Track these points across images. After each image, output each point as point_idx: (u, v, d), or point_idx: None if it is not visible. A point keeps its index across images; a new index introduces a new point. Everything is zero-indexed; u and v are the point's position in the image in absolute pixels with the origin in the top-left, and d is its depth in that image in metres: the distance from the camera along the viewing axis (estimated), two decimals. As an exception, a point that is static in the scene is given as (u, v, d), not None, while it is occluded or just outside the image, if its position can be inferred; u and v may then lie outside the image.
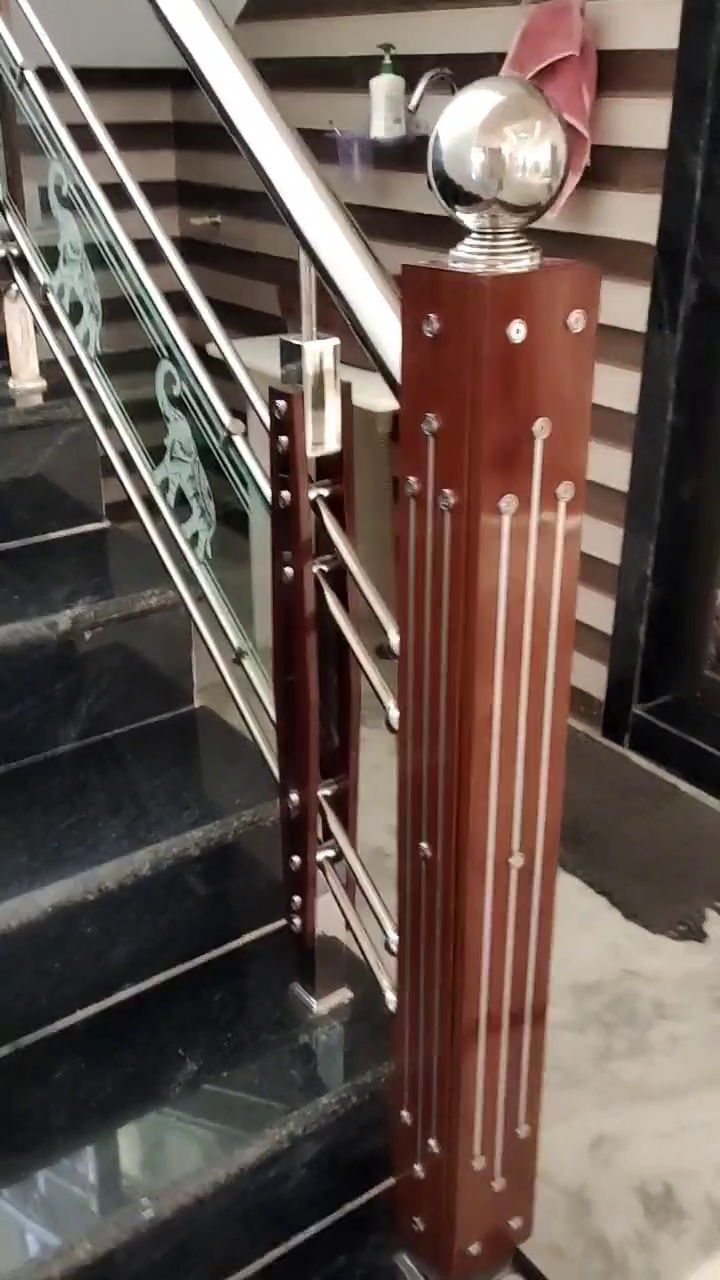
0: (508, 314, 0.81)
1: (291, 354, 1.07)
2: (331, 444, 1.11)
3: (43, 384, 1.70)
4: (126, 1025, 1.33)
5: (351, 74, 2.76)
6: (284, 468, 1.10)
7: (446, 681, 0.93)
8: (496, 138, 0.80)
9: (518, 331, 0.81)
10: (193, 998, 1.37)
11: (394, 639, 1.06)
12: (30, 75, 1.41)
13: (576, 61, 2.09)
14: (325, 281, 1.00)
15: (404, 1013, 1.13)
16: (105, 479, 1.71)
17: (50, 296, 1.51)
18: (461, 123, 0.81)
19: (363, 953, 1.28)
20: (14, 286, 1.61)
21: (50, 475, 1.66)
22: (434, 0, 2.49)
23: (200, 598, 1.49)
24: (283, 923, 1.48)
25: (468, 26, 2.43)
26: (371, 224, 2.94)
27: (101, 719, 1.54)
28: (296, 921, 1.32)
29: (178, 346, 1.27)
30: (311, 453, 1.10)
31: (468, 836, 0.97)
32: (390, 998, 1.24)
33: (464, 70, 2.42)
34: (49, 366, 1.72)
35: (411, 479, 0.90)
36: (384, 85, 2.55)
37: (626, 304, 2.21)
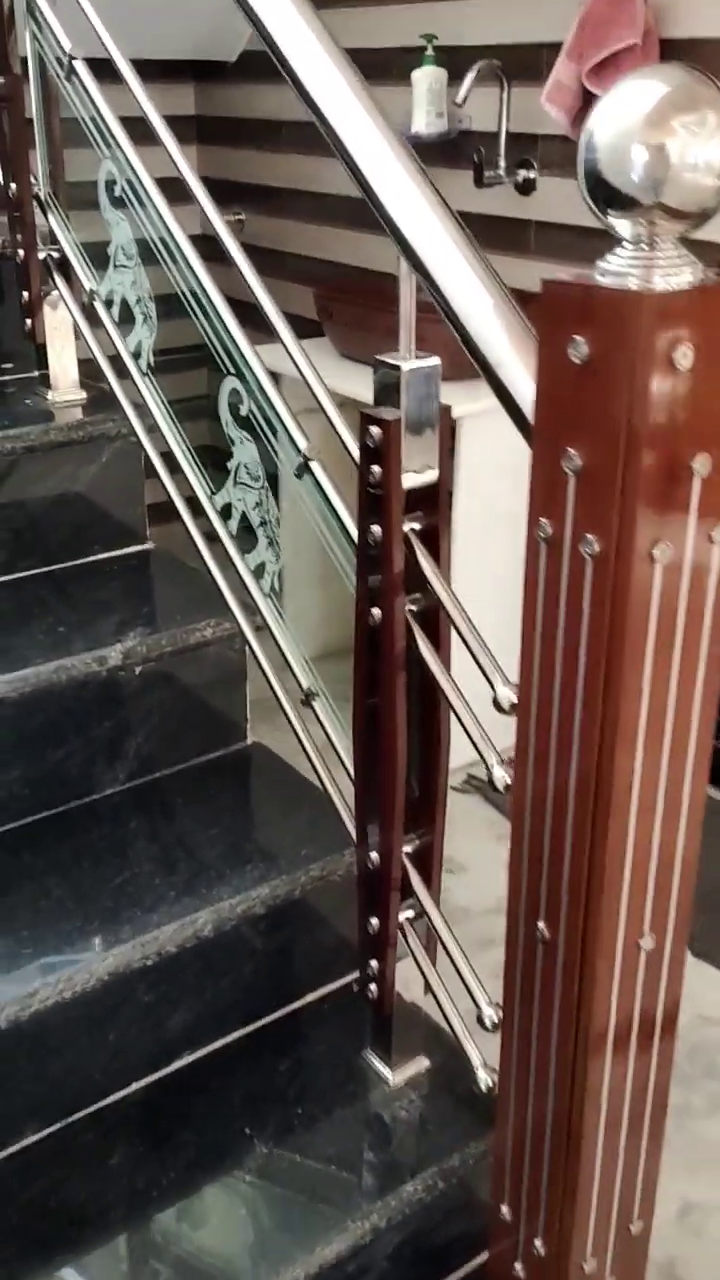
0: (671, 336, 0.70)
1: (387, 375, 0.96)
2: (428, 474, 1.00)
3: (83, 396, 1.59)
4: (186, 1099, 1.23)
5: (390, 66, 2.64)
6: (375, 500, 0.99)
7: (580, 747, 0.82)
8: (663, 132, 0.69)
9: (684, 355, 0.70)
10: (256, 1066, 1.26)
11: (501, 690, 0.96)
12: (80, 65, 1.29)
13: (639, 51, 1.98)
14: (434, 296, 0.89)
15: (507, 1098, 1.02)
16: (149, 492, 1.61)
17: (97, 304, 1.40)
18: (621, 116, 0.70)
19: (447, 1020, 1.17)
20: (55, 292, 1.50)
21: (92, 494, 1.55)
22: (481, -13, 2.38)
23: (260, 627, 1.38)
24: (346, 980, 1.38)
25: (515, 15, 2.31)
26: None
27: (150, 759, 1.43)
28: (373, 988, 1.21)
29: (245, 361, 1.16)
30: (407, 484, 0.99)
31: (598, 918, 0.86)
32: (482, 1075, 1.14)
33: (511, 61, 2.31)
34: (88, 374, 1.62)
35: (544, 521, 0.79)
36: (426, 77, 2.43)
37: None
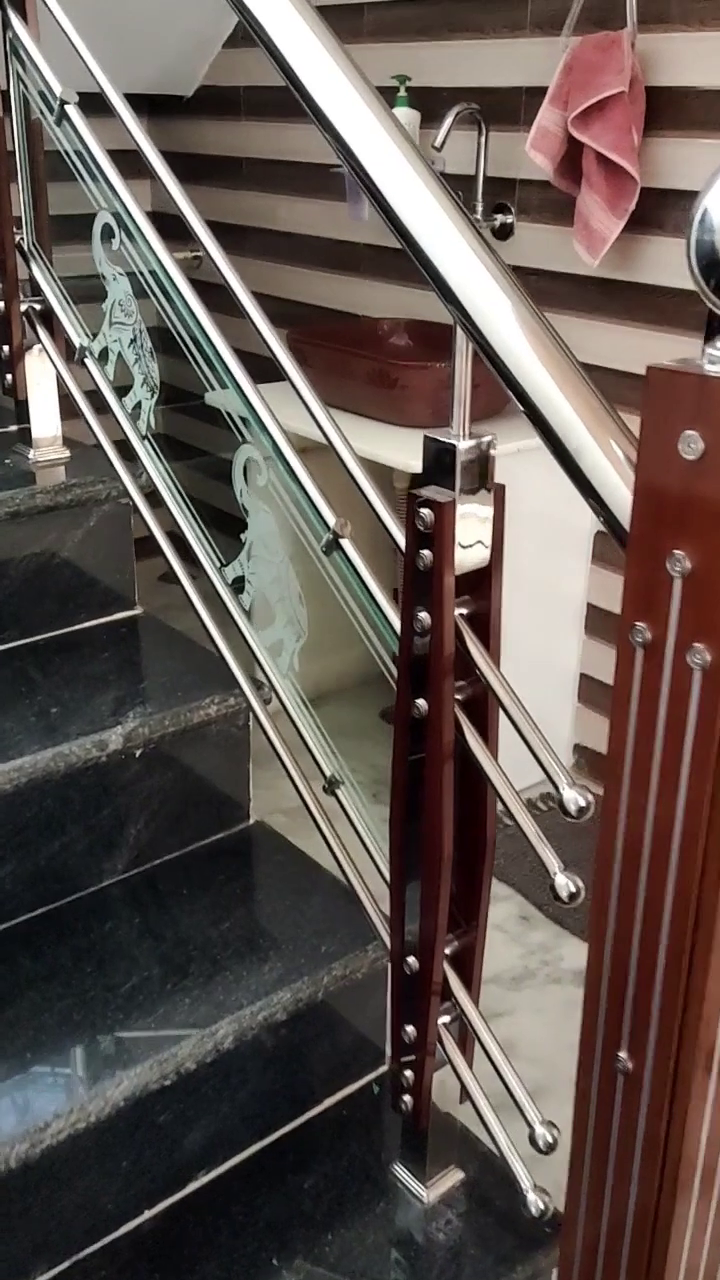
0: None
1: (441, 455, 0.89)
2: (479, 555, 0.93)
3: (66, 454, 1.49)
4: (205, 1224, 1.13)
5: (359, 106, 2.59)
6: (423, 585, 0.92)
7: (679, 868, 0.75)
8: (790, 209, 0.63)
9: None
10: (278, 1184, 1.17)
11: (567, 793, 0.88)
12: (72, 109, 1.21)
13: (626, 99, 1.95)
14: (497, 369, 0.82)
15: (574, 1233, 0.94)
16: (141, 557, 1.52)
17: (88, 361, 1.31)
18: (744, 190, 0.64)
19: (490, 1135, 1.09)
20: (37, 345, 1.41)
21: (79, 560, 1.45)
22: (453, 30, 2.33)
23: (267, 700, 1.30)
24: (364, 1081, 1.29)
25: (492, 58, 2.28)
26: (378, 264, 2.78)
27: (151, 845, 1.34)
28: (407, 1100, 1.13)
29: (265, 430, 1.08)
30: (459, 568, 0.91)
31: (692, 1052, 0.79)
32: (532, 1199, 1.05)
33: (488, 105, 2.27)
34: (71, 430, 1.52)
35: (641, 624, 0.73)
36: (400, 116, 2.38)
37: (678, 356, 2.06)
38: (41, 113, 1.27)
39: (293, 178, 2.86)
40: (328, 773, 1.17)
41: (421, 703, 0.96)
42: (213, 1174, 1.18)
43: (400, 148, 0.90)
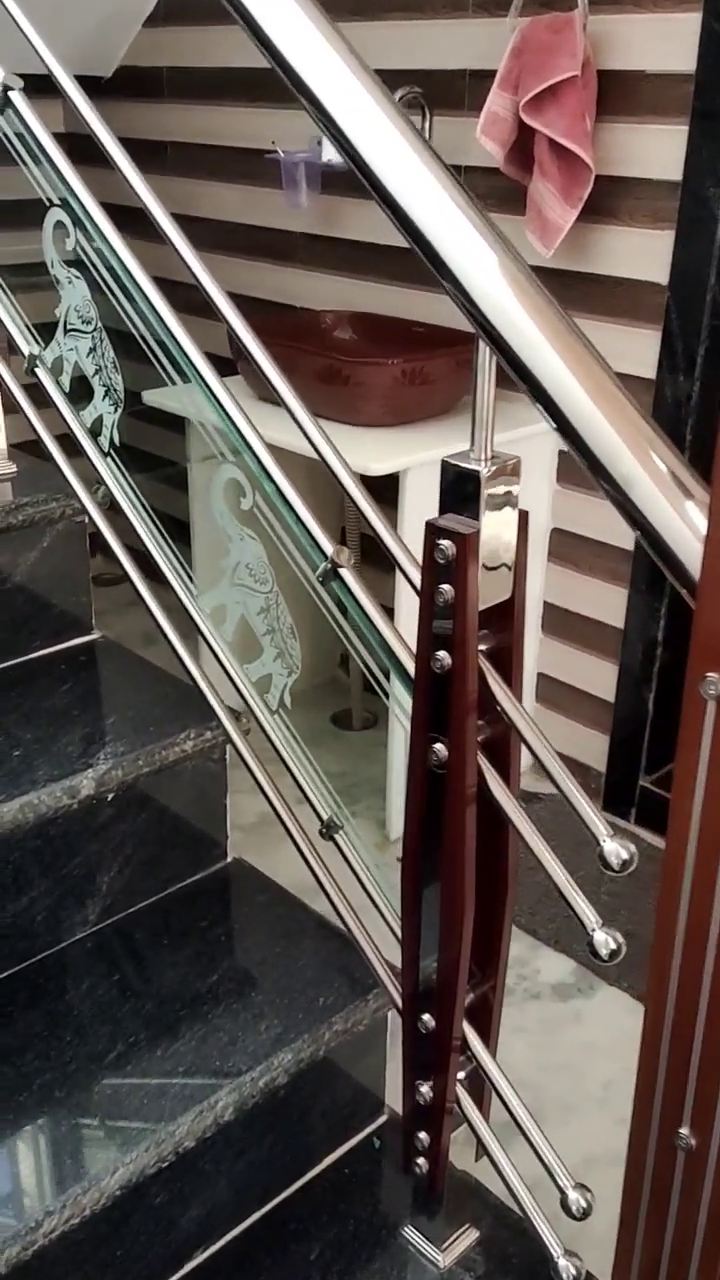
0: None
1: (462, 481, 0.81)
2: (502, 591, 0.85)
3: (13, 469, 1.38)
4: (207, 1309, 1.04)
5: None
6: (444, 623, 0.84)
7: (754, 939, 0.69)
8: None
9: None
10: (281, 1256, 1.09)
11: (608, 845, 0.82)
12: (17, 96, 1.10)
13: (579, 83, 1.88)
14: (540, 402, 0.74)
15: (619, 1311, 0.88)
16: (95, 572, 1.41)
17: (39, 370, 1.20)
18: None
19: (514, 1197, 1.02)
20: (-21, 353, 1.29)
21: (32, 584, 1.34)
22: (391, 9, 2.24)
23: (247, 730, 1.21)
24: (363, 1134, 1.22)
25: (434, 40, 2.19)
26: (316, 254, 2.68)
27: (125, 892, 1.24)
28: (421, 1162, 1.05)
29: (248, 446, 0.99)
30: (482, 604, 0.84)
31: (765, 1130, 0.73)
32: (564, 1265, 0.99)
33: (431, 88, 2.18)
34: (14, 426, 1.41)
35: (713, 676, 0.66)
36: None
37: (634, 348, 2.01)
38: (-21, 100, 1.15)
39: (220, 162, 2.74)
40: (325, 816, 1.08)
41: (440, 747, 0.88)
42: (211, 1250, 1.09)
43: (407, 137, 0.82)
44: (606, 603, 2.28)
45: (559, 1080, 1.86)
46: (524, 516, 0.84)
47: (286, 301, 2.72)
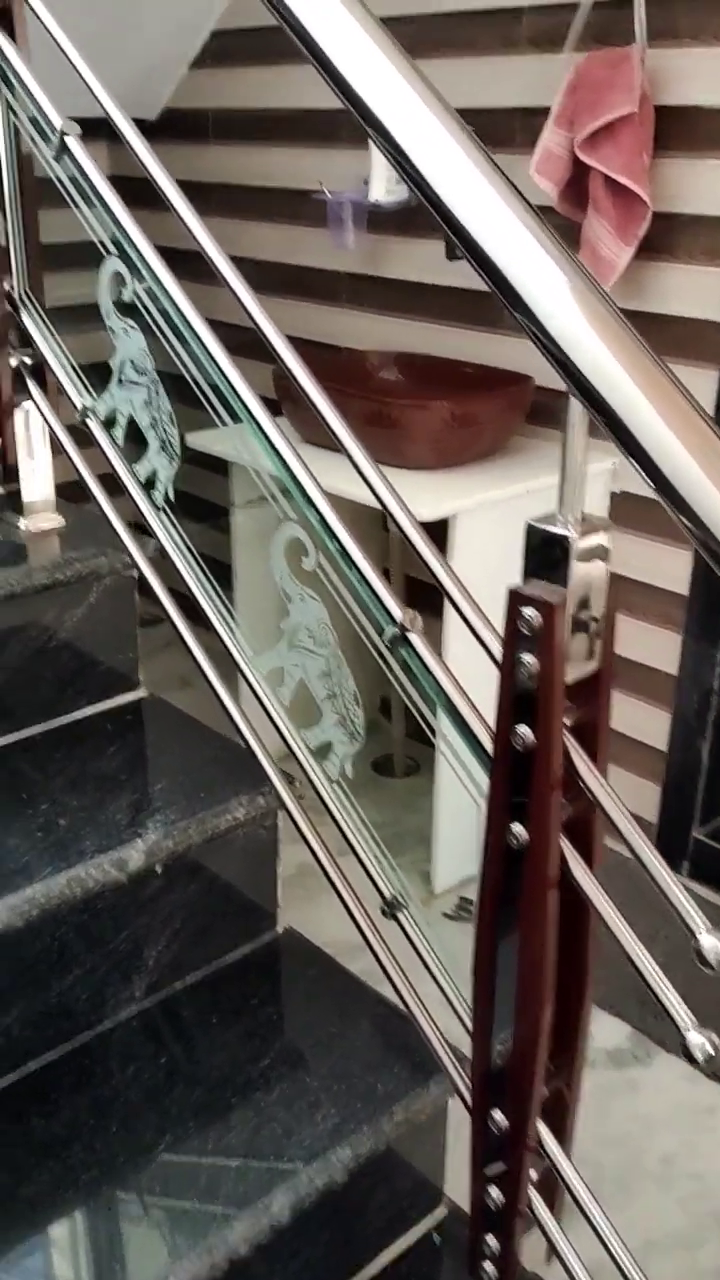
0: None
1: (550, 546, 0.75)
2: (590, 662, 0.79)
3: (60, 521, 1.34)
4: None
5: (339, 129, 2.46)
6: (527, 696, 0.78)
7: None
8: None
9: None
10: None
11: (705, 939, 0.75)
12: (73, 141, 1.06)
13: (636, 120, 1.84)
14: (650, 476, 0.68)
15: None
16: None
17: (91, 422, 1.16)
18: None
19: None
20: (28, 402, 1.25)
21: (78, 640, 1.30)
22: (442, 47, 2.21)
23: (300, 796, 1.15)
24: (423, 1229, 1.15)
25: (485, 77, 2.16)
26: (361, 294, 2.65)
27: (172, 967, 1.18)
28: (489, 1268, 0.98)
29: (311, 505, 0.94)
30: (570, 676, 0.78)
31: None
32: None
33: (481, 126, 2.14)
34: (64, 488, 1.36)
35: None
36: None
37: (692, 388, 1.95)
38: (33, 142, 1.11)
39: (264, 203, 2.72)
40: (387, 894, 1.02)
41: (520, 829, 0.82)
42: None
43: (488, 175, 0.76)
44: (659, 648, 2.20)
45: (615, 1155, 1.77)
46: (614, 584, 0.78)
47: (330, 341, 2.68)
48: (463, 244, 0.76)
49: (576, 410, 0.72)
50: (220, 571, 2.50)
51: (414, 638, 0.89)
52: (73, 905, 1.05)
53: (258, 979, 1.22)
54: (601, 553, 0.76)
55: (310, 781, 1.04)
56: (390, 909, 1.02)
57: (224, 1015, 1.16)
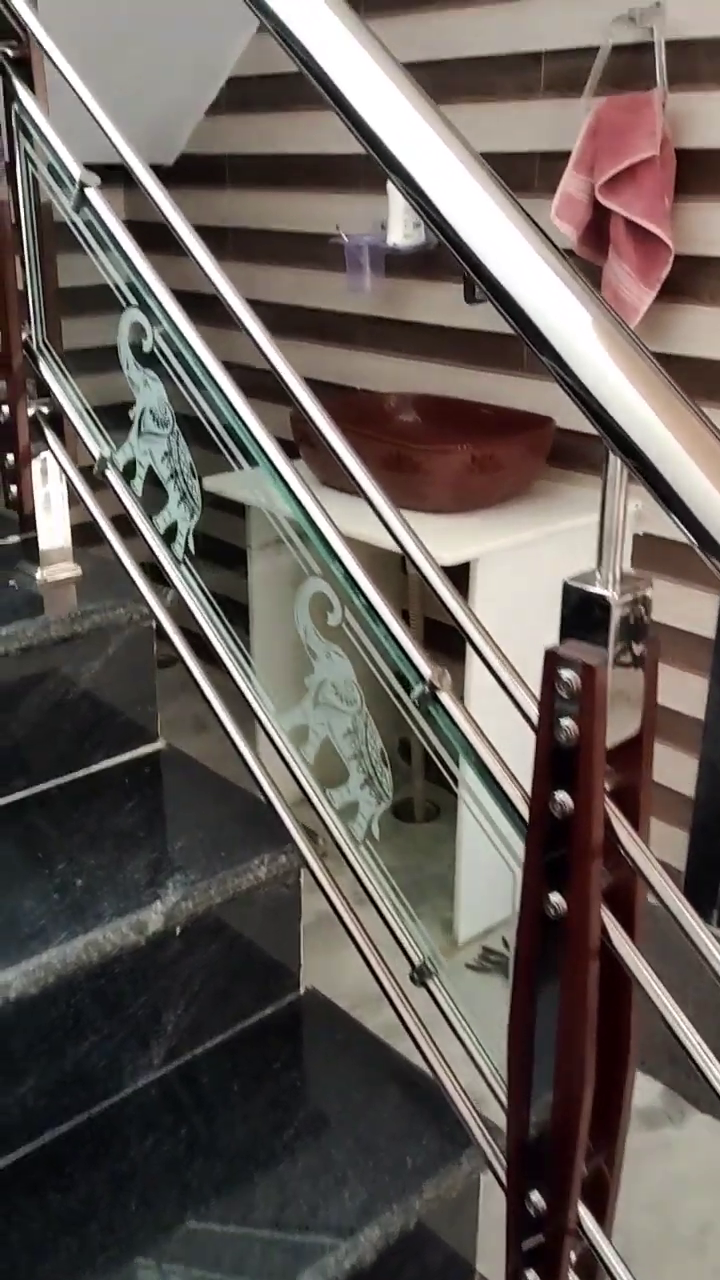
0: None
1: (589, 606, 0.72)
2: (630, 725, 0.76)
3: (78, 571, 1.31)
4: None
5: (356, 173, 2.47)
6: (565, 761, 0.75)
7: None
8: None
9: None
10: None
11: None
12: (93, 193, 1.05)
13: (657, 164, 1.83)
14: (694, 535, 0.65)
15: None
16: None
17: (110, 475, 1.14)
18: None
19: None
20: (46, 452, 1.24)
21: (96, 692, 1.27)
22: (462, 93, 2.22)
23: (323, 854, 1.12)
24: (457, 1304, 1.09)
25: (504, 122, 2.16)
26: (378, 336, 2.64)
27: (192, 1032, 1.14)
28: None
29: (336, 558, 0.91)
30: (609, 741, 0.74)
31: None
32: None
33: (501, 171, 2.14)
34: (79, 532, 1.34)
35: None
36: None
37: None
38: (52, 192, 1.10)
39: (280, 246, 2.73)
40: (416, 960, 0.98)
41: (558, 899, 0.78)
42: None
43: (511, 215, 0.74)
44: (685, 692, 2.17)
45: (648, 1220, 1.71)
46: (656, 643, 0.75)
47: (348, 383, 2.67)
48: (488, 287, 0.74)
49: (615, 466, 0.69)
50: (237, 612, 2.48)
51: (444, 696, 0.86)
52: (90, 970, 1.02)
53: (280, 1043, 1.18)
54: (644, 612, 0.73)
55: (335, 843, 1.01)
56: (419, 976, 0.99)
57: (245, 1082, 1.12)
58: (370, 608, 0.91)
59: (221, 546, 2.79)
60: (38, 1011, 1.00)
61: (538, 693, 0.75)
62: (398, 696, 0.91)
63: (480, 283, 0.75)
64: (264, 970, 1.20)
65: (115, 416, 1.23)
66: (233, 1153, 1.04)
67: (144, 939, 1.05)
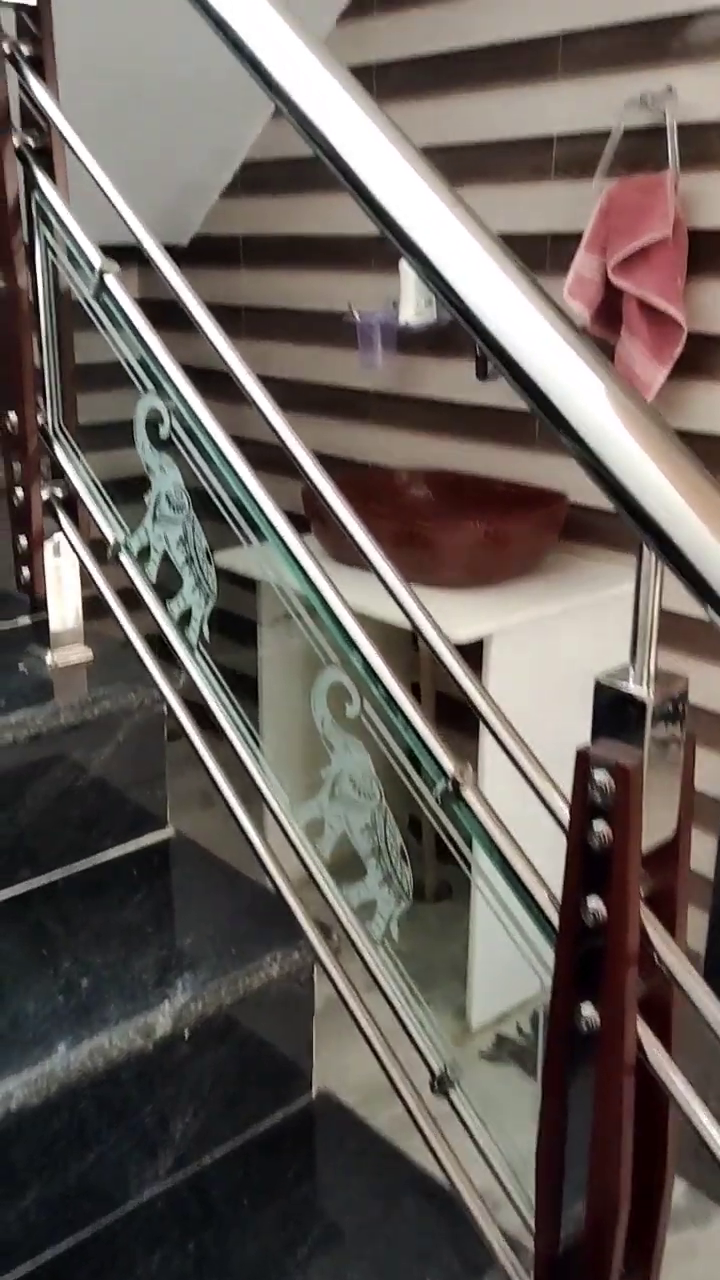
0: None
1: (622, 706, 0.69)
2: (665, 827, 0.73)
3: (89, 654, 1.29)
4: None
5: (367, 253, 2.49)
6: (598, 866, 0.71)
7: None
8: None
9: None
10: None
11: None
12: (112, 280, 1.04)
13: (670, 245, 1.84)
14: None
15: None
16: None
17: (124, 559, 1.12)
18: None
19: None
20: (59, 535, 1.22)
21: (106, 779, 1.24)
22: (474, 176, 2.24)
23: (336, 950, 1.07)
24: None
25: (516, 204, 2.18)
26: (389, 412, 2.65)
27: (199, 1139, 1.09)
28: None
29: (355, 649, 0.88)
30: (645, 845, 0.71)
31: None
32: None
33: (514, 252, 2.16)
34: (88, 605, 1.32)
35: None
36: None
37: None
38: (70, 278, 1.10)
39: (293, 324, 2.75)
40: (436, 1069, 0.94)
41: (590, 1011, 0.74)
42: None
43: (535, 302, 0.73)
44: (705, 771, 2.12)
45: None
46: (691, 741, 0.72)
47: (359, 458, 2.67)
48: (507, 368, 0.72)
49: (650, 561, 0.67)
50: (245, 686, 2.45)
51: (468, 794, 0.83)
52: (94, 1078, 0.97)
53: (292, 1152, 1.12)
54: (680, 711, 0.70)
55: (351, 943, 0.97)
56: (440, 1086, 0.94)
57: (256, 1195, 1.07)
58: (389, 698, 0.88)
59: (231, 619, 2.78)
60: (39, 1123, 0.96)
61: (563, 786, 0.72)
62: (414, 784, 0.88)
63: (503, 367, 0.73)
64: (275, 1072, 1.15)
65: (124, 490, 1.22)
66: (245, 1272, 0.98)
67: (151, 1044, 1.00)
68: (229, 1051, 1.10)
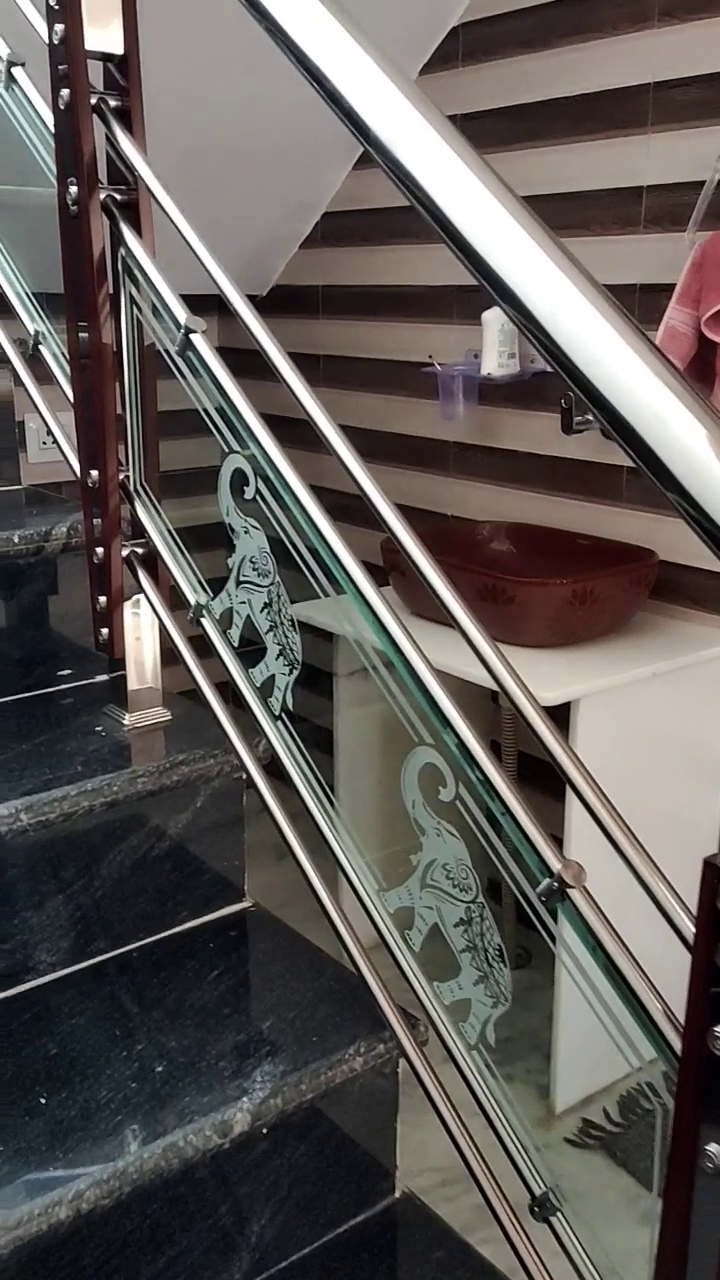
0: None
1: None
2: None
3: (167, 716, 1.25)
4: None
5: (448, 304, 2.46)
6: (728, 986, 0.64)
7: None
8: None
9: None
10: None
11: None
12: (198, 338, 1.01)
13: (767, 294, 1.78)
14: None
15: None
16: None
17: (206, 623, 1.08)
18: None
19: None
20: (139, 595, 1.18)
21: (183, 848, 1.19)
22: (560, 227, 2.20)
23: (422, 1041, 1.01)
24: None
25: (604, 255, 2.14)
26: (470, 463, 2.60)
27: (277, 1242, 1.03)
28: None
29: (454, 732, 0.83)
30: (781, 964, 0.64)
31: None
32: None
33: (599, 301, 2.11)
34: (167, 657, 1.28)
35: None
36: (498, 318, 2.23)
37: None
38: (155, 333, 1.07)
39: (371, 373, 2.73)
40: (537, 1191, 0.86)
41: (717, 1151, 0.67)
42: None
43: (649, 361, 0.67)
44: None
45: None
46: None
47: (437, 510, 2.63)
48: (608, 418, 0.67)
49: None
50: (321, 737, 2.39)
51: (575, 895, 0.77)
52: (168, 1178, 0.92)
53: (374, 1259, 1.05)
54: None
55: (444, 1045, 0.90)
56: (541, 1211, 0.86)
57: (336, 1306, 1.00)
58: (487, 782, 0.82)
59: (307, 669, 2.74)
60: (110, 1226, 0.90)
61: (654, 855, 0.66)
62: (508, 871, 0.81)
63: (610, 426, 0.68)
64: (357, 1171, 1.09)
65: (198, 537, 1.18)
66: None
67: (228, 1141, 0.94)
68: (309, 1148, 1.03)
